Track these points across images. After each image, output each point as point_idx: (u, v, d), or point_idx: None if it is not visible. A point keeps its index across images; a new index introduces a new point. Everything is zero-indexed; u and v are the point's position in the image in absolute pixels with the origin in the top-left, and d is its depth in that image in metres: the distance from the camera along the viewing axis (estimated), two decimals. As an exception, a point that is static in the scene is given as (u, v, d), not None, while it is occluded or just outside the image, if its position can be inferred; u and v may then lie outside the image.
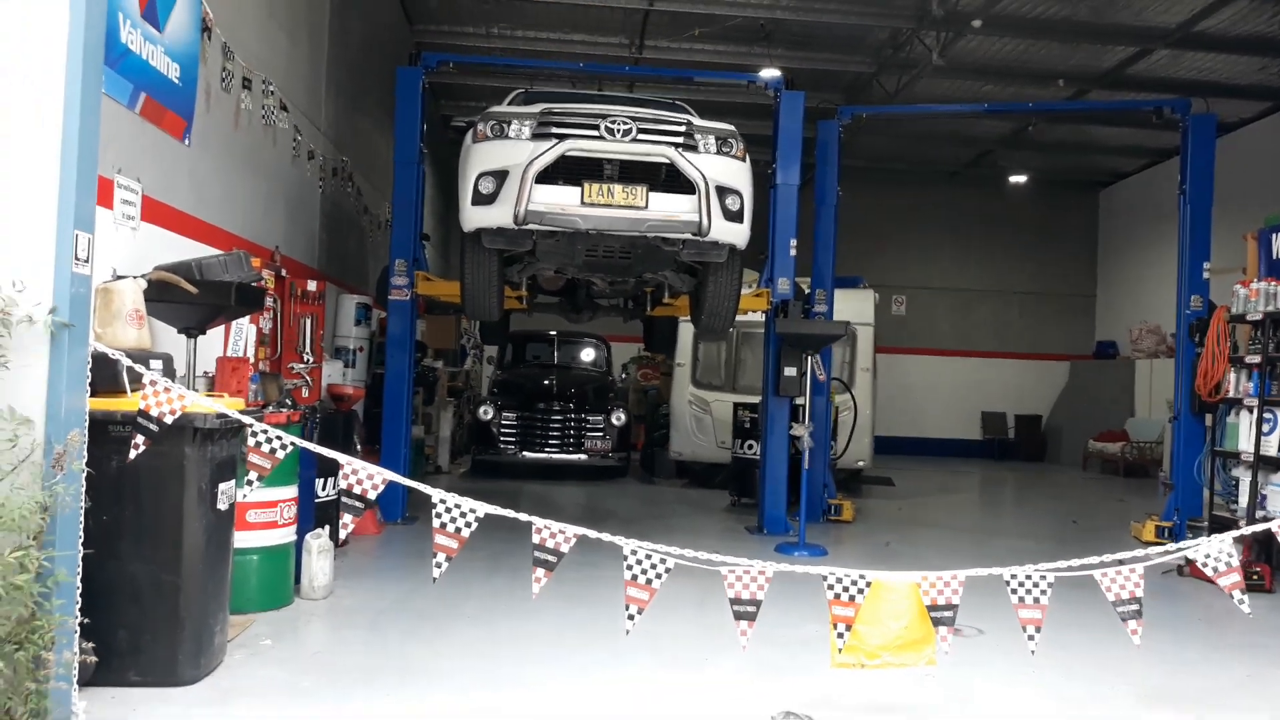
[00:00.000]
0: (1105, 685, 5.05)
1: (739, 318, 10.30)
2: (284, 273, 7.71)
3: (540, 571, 4.28)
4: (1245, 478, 7.79)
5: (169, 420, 4.19)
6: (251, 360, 7.06)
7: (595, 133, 6.89)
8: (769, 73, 13.78)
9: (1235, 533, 4.49)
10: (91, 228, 4.03)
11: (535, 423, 13.56)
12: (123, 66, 5.31)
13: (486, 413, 13.60)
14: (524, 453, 13.50)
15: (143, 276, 4.90)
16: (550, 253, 7.40)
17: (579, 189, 6.82)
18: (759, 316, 9.91)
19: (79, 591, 3.97)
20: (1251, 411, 7.73)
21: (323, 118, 9.68)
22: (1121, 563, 4.40)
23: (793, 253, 9.38)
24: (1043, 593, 4.37)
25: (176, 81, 6.01)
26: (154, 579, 4.40)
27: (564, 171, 6.88)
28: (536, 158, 6.73)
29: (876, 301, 14.95)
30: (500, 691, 4.65)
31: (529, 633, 5.64)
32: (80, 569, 3.99)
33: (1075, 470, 18.56)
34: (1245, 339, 8.05)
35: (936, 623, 4.31)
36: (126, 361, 4.27)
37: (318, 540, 6.25)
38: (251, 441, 4.26)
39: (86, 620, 4.00)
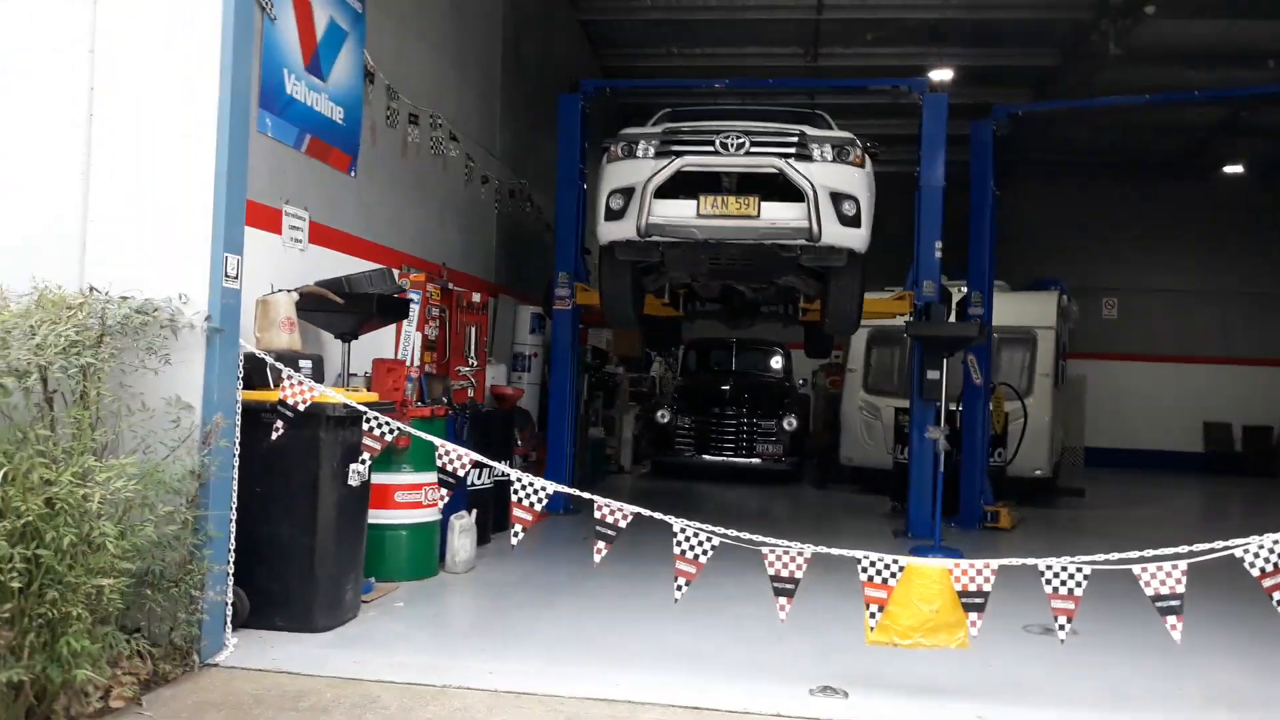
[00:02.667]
0: (1173, 684, 5.02)
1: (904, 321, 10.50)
2: (450, 285, 8.65)
3: (601, 544, 4.84)
4: None
5: (302, 408, 5.08)
6: (416, 363, 8.01)
7: (710, 148, 7.39)
8: (939, 73, 13.81)
9: None
10: (240, 250, 4.97)
11: (710, 427, 14.09)
12: (289, 114, 6.32)
13: (664, 416, 14.27)
14: (700, 455, 14.07)
15: (295, 290, 5.86)
16: (677, 262, 7.96)
17: (695, 201, 7.35)
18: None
19: (232, 547, 4.92)
20: None
21: (497, 144, 10.66)
22: (1163, 559, 4.44)
23: (938, 255, 9.45)
24: (1077, 584, 4.49)
25: (340, 122, 7.02)
26: (295, 541, 5.29)
27: (683, 185, 7.42)
28: (655, 174, 7.32)
29: (1066, 305, 14.50)
30: (574, 652, 5.23)
31: (630, 608, 6.20)
32: (235, 529, 4.94)
33: (1309, 485, 17.06)
34: None
35: (967, 608, 4.54)
36: (270, 360, 5.19)
37: (460, 521, 7.08)
38: (366, 427, 5.09)
39: (242, 572, 4.94)
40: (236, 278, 4.94)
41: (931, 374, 9.16)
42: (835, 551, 4.74)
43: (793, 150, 7.40)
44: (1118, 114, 16.51)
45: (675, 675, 4.92)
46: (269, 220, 6.13)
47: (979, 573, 4.55)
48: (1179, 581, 4.42)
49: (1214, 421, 19.54)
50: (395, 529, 6.65)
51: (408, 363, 8.02)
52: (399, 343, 8.05)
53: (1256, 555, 4.39)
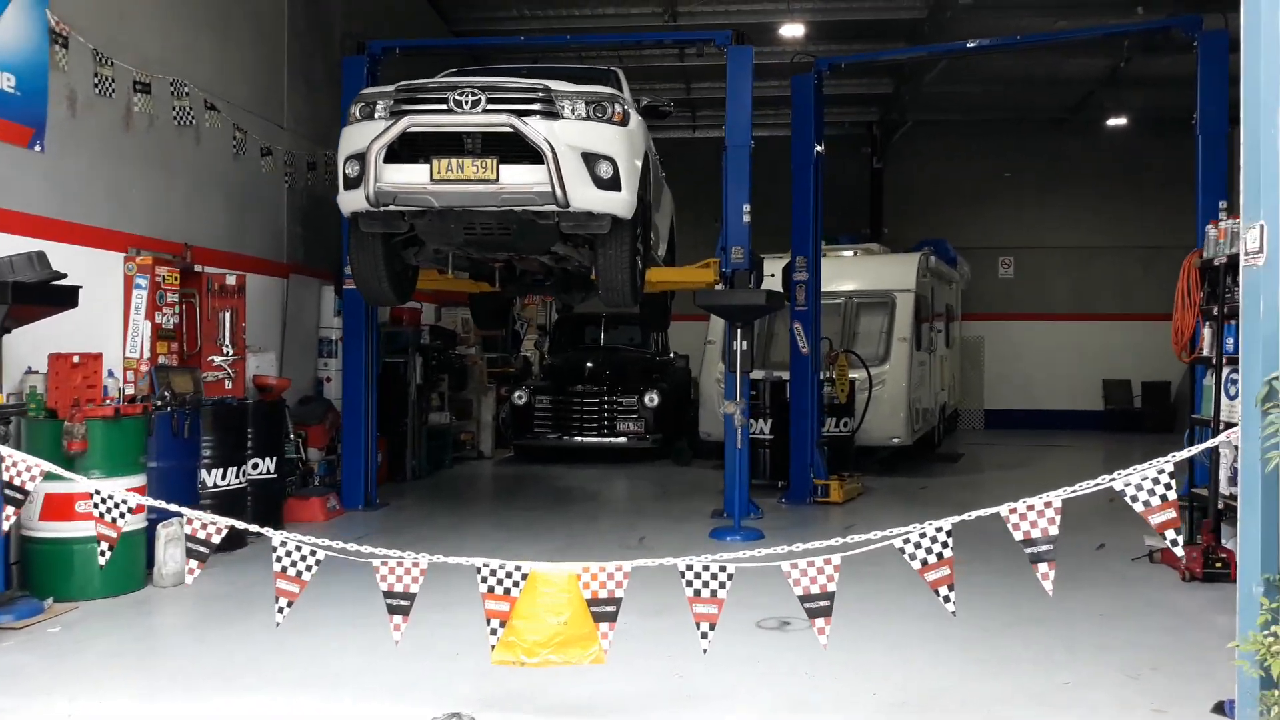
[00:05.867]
0: (871, 684, 4.46)
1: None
2: (197, 267, 7.91)
3: (193, 563, 4.20)
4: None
5: None
6: (146, 355, 7.29)
7: (444, 106, 6.68)
8: (789, 28, 13.17)
9: (1174, 456, 3.80)
10: None
11: (571, 406, 13.46)
12: (-80, 80, 5.55)
13: (521, 398, 13.60)
14: (562, 437, 13.43)
15: (-101, 281, 5.12)
16: (429, 233, 7.28)
17: (429, 165, 6.65)
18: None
19: None
20: (1221, 369, 6.67)
21: (285, 114, 9.88)
22: (814, 554, 3.86)
23: (746, 219, 8.81)
24: (720, 586, 3.89)
25: (12, 91, 6.25)
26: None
27: (420, 148, 6.71)
28: (379, 136, 6.61)
29: (935, 265, 13.99)
30: (205, 680, 4.60)
31: (322, 620, 5.53)
32: None
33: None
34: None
35: (597, 618, 3.93)
36: None
37: (167, 529, 6.39)
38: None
39: None
40: None
41: (741, 345, 8.57)
42: (453, 560, 4.10)
43: (536, 107, 6.69)
44: (996, 68, 16.00)
45: (303, 701, 4.31)
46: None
47: (610, 577, 3.94)
48: (830, 579, 3.84)
49: (1113, 379, 19.18)
50: (82, 543, 5.96)
51: (137, 355, 7.33)
52: (127, 335, 7.33)
53: (918, 546, 3.82)
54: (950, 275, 16.15)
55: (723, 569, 3.91)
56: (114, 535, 4.25)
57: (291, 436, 8.63)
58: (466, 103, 6.66)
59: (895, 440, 12.07)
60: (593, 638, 3.94)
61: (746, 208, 8.85)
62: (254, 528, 4.24)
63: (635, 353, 14.81)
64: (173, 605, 6.05)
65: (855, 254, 13.92)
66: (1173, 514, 3.67)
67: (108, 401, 6.28)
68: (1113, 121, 18.18)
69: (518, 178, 6.61)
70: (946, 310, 15.81)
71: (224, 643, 5.21)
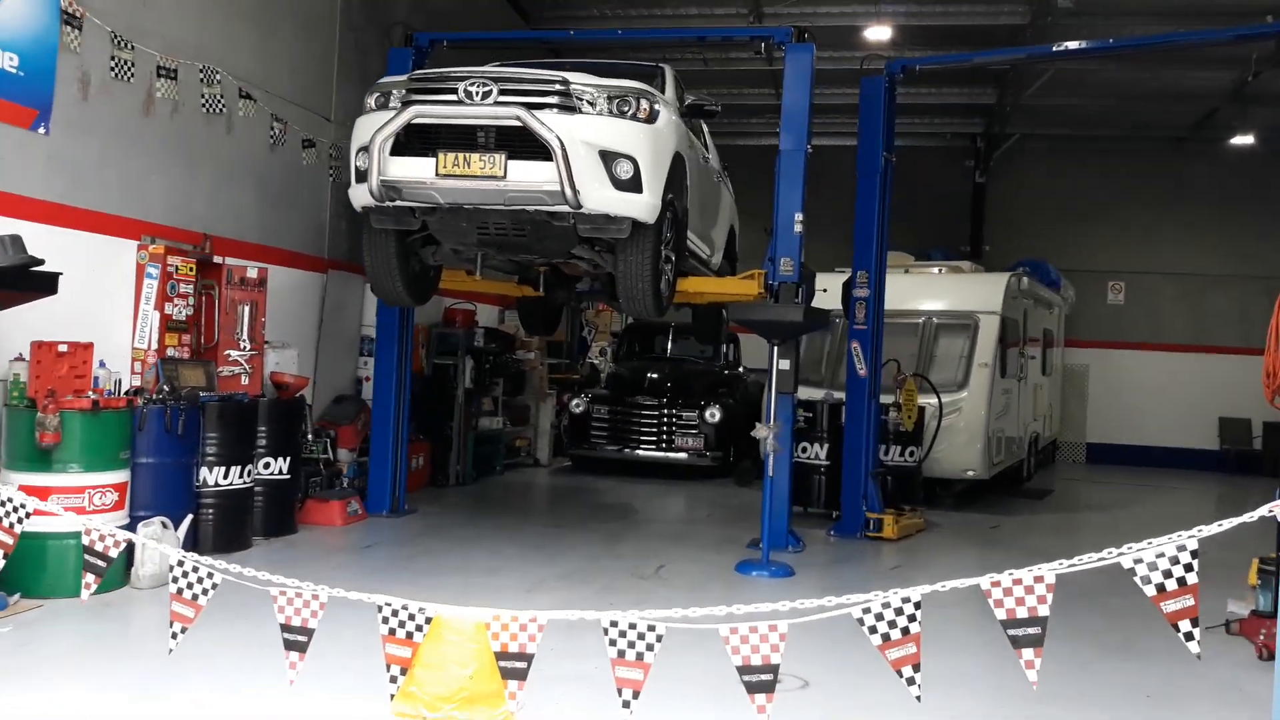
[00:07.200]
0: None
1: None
2: (216, 258, 7.71)
3: (90, 577, 3.84)
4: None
5: None
6: (154, 346, 7.10)
7: (453, 97, 6.29)
8: (875, 31, 12.43)
9: (1200, 529, 3.11)
10: None
11: (630, 418, 12.99)
12: (-92, 56, 5.41)
13: (578, 406, 13.20)
14: (622, 449, 12.96)
15: None
16: (442, 231, 6.91)
17: (434, 159, 6.25)
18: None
19: None
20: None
21: (334, 108, 9.66)
22: (759, 617, 3.26)
23: (798, 229, 8.19)
24: (648, 647, 3.33)
25: (14, 70, 6.10)
26: None
27: (430, 141, 6.33)
28: (383, 127, 6.25)
29: (1026, 288, 12.98)
30: (130, 690, 4.28)
31: (257, 646, 5.14)
32: None
33: (1327, 490, 15.17)
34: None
35: (505, 674, 3.41)
36: None
37: (146, 529, 6.14)
38: None
39: None
40: None
41: (782, 364, 7.95)
42: (354, 595, 3.63)
43: (553, 100, 6.25)
44: (1108, 80, 14.94)
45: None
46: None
47: (522, 629, 3.42)
48: (775, 649, 3.24)
49: (1231, 417, 17.70)
50: (56, 538, 5.74)
51: (145, 346, 7.15)
52: (136, 322, 7.16)
53: (879, 618, 3.19)
54: (1050, 299, 15.10)
55: (651, 629, 3.35)
56: (10, 542, 3.93)
57: (310, 436, 8.37)
58: (477, 94, 6.25)
59: (970, 473, 11.19)
60: (502, 696, 3.44)
61: (799, 216, 8.23)
62: (154, 544, 3.86)
63: (702, 365, 14.22)
64: (142, 609, 5.77)
65: (941, 271, 13.06)
66: (1190, 601, 2.95)
67: (90, 394, 6.05)
68: (1238, 141, 16.78)
69: (525, 175, 6.17)
70: (1044, 335, 14.76)
71: (162, 655, 4.86)
